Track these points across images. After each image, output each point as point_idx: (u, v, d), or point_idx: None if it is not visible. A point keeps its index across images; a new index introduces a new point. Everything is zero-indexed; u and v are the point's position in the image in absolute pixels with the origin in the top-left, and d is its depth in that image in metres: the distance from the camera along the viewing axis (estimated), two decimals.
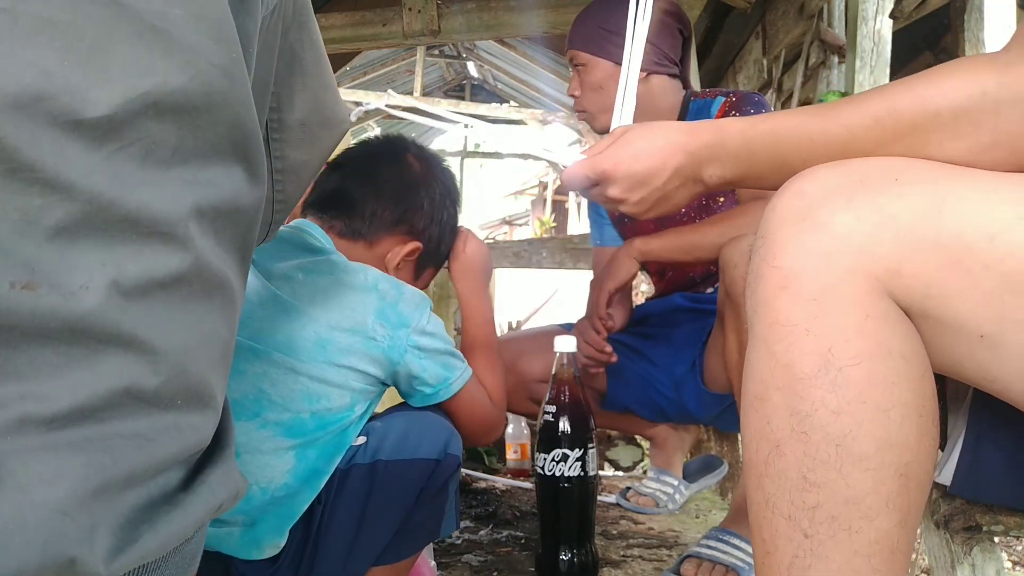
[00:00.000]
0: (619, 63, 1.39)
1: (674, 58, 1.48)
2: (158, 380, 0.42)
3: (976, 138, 0.57)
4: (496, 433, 1.07)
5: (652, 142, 0.77)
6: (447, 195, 1.10)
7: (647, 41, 1.42)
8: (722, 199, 1.53)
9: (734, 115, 1.42)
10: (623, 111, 0.96)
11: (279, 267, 0.94)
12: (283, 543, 0.85)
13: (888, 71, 2.28)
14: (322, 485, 0.88)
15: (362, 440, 0.91)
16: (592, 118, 1.51)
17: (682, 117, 1.50)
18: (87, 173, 0.38)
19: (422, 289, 1.08)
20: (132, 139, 0.39)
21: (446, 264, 1.14)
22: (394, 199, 1.04)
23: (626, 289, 1.48)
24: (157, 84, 0.40)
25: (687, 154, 0.75)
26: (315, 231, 0.99)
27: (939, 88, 0.59)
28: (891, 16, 2.10)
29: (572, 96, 1.52)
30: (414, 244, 1.05)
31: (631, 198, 0.80)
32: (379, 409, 1.02)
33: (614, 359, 1.44)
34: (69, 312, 0.38)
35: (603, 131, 1.49)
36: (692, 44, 1.51)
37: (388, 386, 0.97)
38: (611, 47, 1.42)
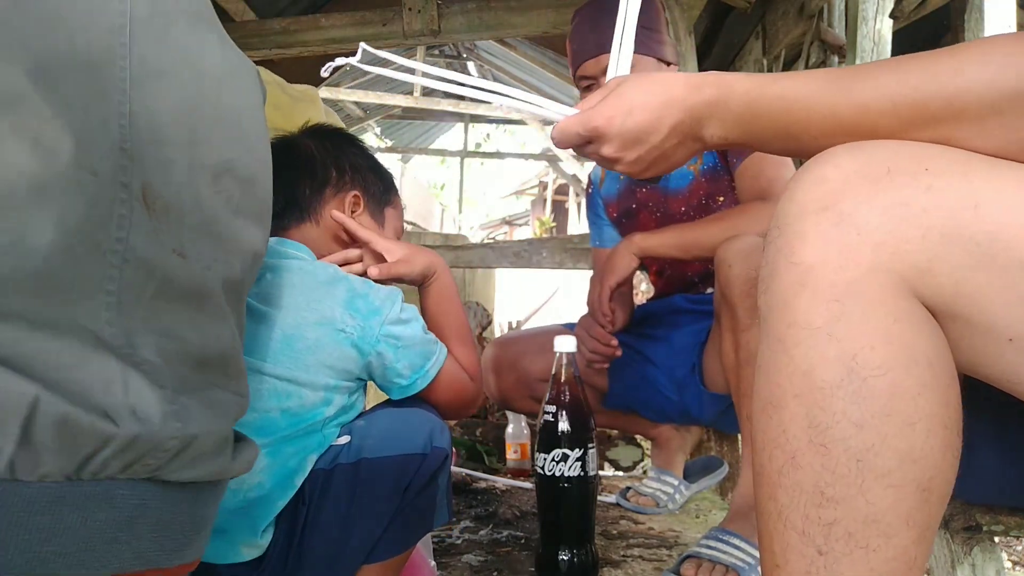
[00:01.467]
0: (644, 54, 1.38)
1: (674, 45, 1.50)
2: (237, 354, 0.60)
3: (1006, 139, 0.53)
4: (476, 405, 1.05)
5: (648, 96, 0.69)
6: (344, 142, 1.12)
7: (655, 31, 1.43)
8: (722, 198, 1.54)
9: None
10: (619, 60, 0.86)
11: None
12: (264, 544, 0.84)
13: None
14: (299, 484, 0.86)
15: (346, 439, 0.90)
16: None
17: None
18: (208, 197, 0.56)
19: (398, 236, 1.13)
20: (221, 188, 0.57)
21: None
22: (302, 173, 1.05)
23: (627, 286, 1.49)
24: (234, 158, 0.59)
25: (686, 110, 0.68)
26: (290, 245, 0.99)
27: (966, 80, 0.53)
28: (891, 16, 2.09)
29: None
30: (352, 194, 1.06)
31: (626, 157, 0.73)
32: (367, 406, 1.01)
33: (619, 353, 1.44)
34: (203, 281, 0.54)
35: None
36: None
37: (364, 381, 0.96)
38: (651, 42, 1.42)
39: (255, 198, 0.62)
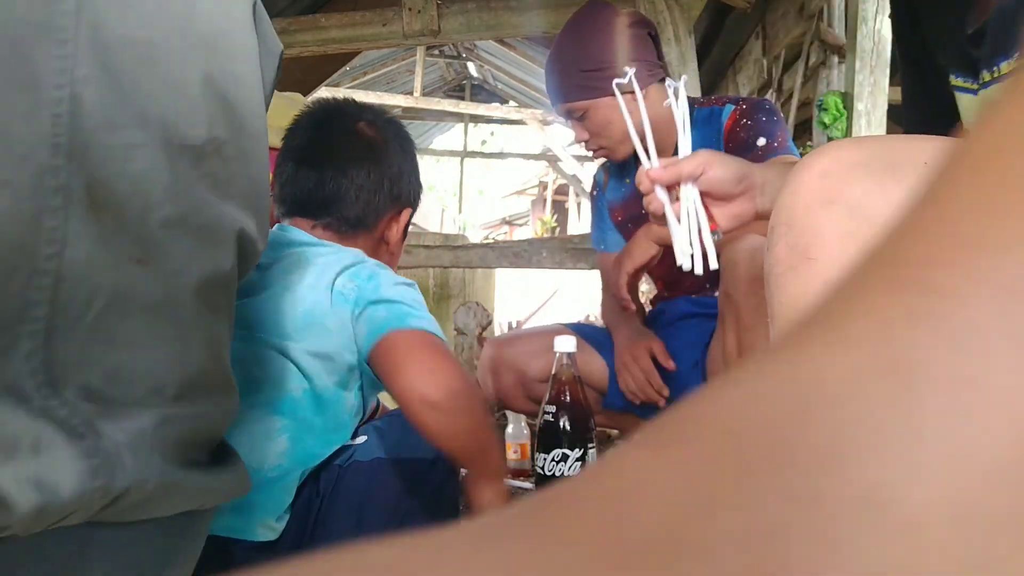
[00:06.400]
0: (597, 97, 1.45)
1: (657, 61, 1.50)
2: (212, 365, 0.52)
3: None
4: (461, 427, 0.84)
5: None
6: (404, 145, 1.07)
7: (633, 59, 1.45)
8: None
9: (744, 123, 1.43)
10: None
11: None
12: (279, 528, 0.85)
13: (888, 71, 2.28)
14: (314, 465, 0.87)
15: (363, 439, 0.92)
16: (612, 152, 1.53)
17: None
18: (188, 185, 0.48)
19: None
20: (208, 169, 0.49)
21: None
22: (379, 180, 1.02)
23: (640, 275, 1.50)
24: (224, 133, 0.51)
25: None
26: (292, 232, 0.98)
27: None
28: (891, 16, 2.09)
29: (582, 142, 1.54)
30: (407, 212, 1.07)
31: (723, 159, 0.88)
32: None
33: (665, 393, 1.46)
34: (167, 289, 0.47)
35: (625, 159, 1.53)
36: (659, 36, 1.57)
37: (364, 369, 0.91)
38: (601, 83, 1.43)
39: (246, 178, 0.54)
